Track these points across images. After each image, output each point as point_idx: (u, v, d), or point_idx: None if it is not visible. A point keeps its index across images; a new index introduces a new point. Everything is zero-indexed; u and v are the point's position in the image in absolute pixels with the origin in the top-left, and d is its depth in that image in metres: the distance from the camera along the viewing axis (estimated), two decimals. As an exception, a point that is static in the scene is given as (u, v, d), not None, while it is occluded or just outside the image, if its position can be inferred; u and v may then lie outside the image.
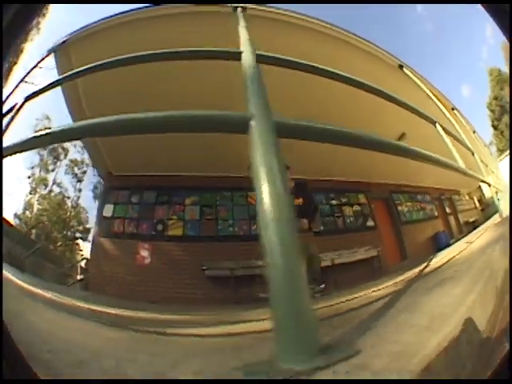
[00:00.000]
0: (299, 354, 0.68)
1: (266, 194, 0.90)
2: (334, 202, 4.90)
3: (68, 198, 18.54)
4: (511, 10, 0.89)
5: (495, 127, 5.81)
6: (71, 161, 19.48)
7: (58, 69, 4.10)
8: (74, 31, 3.89)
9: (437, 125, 2.76)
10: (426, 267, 1.82)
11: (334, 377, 0.63)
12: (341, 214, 4.83)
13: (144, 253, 4.53)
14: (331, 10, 3.60)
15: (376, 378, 0.60)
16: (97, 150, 4.81)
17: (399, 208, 5.13)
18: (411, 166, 2.21)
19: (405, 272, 1.93)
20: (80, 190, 19.24)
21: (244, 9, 3.18)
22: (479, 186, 4.00)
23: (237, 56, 1.61)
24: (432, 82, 4.31)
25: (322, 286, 2.80)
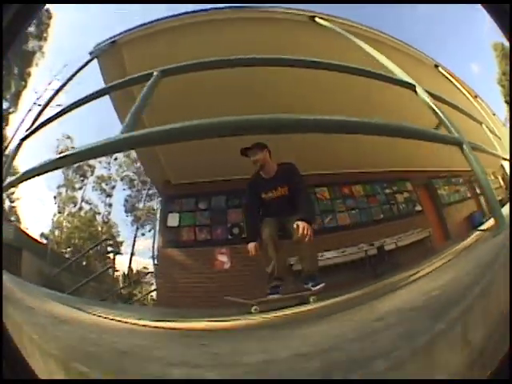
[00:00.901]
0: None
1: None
2: (387, 191, 5.25)
3: (98, 213, 18.70)
4: (511, 9, 0.89)
5: (508, 102, 5.80)
6: (98, 177, 19.59)
7: (104, 72, 3.95)
8: (123, 32, 3.78)
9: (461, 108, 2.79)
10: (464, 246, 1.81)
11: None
12: (394, 201, 5.20)
13: (223, 258, 4.51)
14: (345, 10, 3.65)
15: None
16: (153, 160, 4.73)
17: (438, 192, 5.53)
18: (444, 151, 2.33)
19: (451, 250, 1.91)
20: (110, 205, 19.29)
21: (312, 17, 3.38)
22: (501, 165, 4.12)
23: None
24: (447, 67, 4.41)
25: (320, 286, 2.25)
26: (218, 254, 4.57)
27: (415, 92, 2.09)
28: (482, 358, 0.62)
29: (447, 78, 4.23)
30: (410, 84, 2.14)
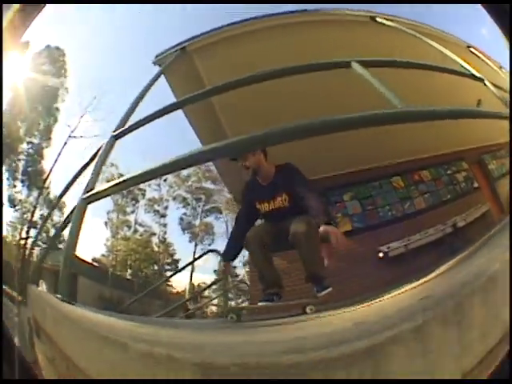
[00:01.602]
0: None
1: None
2: (448, 172, 5.53)
3: (154, 234, 18.95)
4: (511, 9, 0.90)
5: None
6: (150, 200, 19.79)
7: (173, 82, 3.85)
8: (190, 38, 3.66)
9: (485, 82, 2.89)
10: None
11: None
12: (456, 181, 5.50)
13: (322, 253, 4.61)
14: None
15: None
16: (233, 173, 4.73)
17: (489, 167, 5.82)
18: (487, 127, 2.43)
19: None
20: (165, 225, 19.49)
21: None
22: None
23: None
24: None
25: (325, 291, 1.85)
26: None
27: (484, 84, 2.25)
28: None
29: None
30: (478, 78, 2.33)
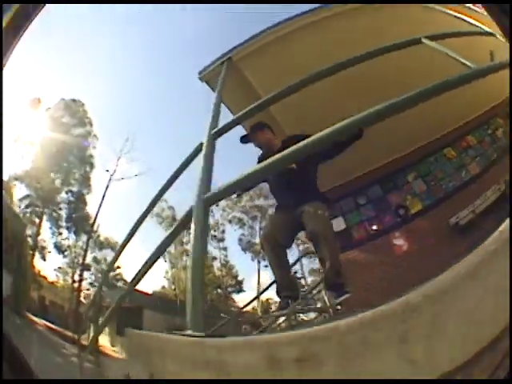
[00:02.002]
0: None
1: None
2: (489, 131, 5.46)
3: (215, 258, 19.68)
4: (511, 9, 0.90)
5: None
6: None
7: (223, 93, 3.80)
8: (234, 48, 3.58)
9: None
10: None
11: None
12: (497, 138, 5.41)
13: (399, 241, 4.65)
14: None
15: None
16: None
17: None
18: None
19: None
20: (225, 249, 20.06)
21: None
22: None
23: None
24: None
25: (341, 298, 1.66)
26: (393, 239, 4.68)
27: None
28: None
29: None
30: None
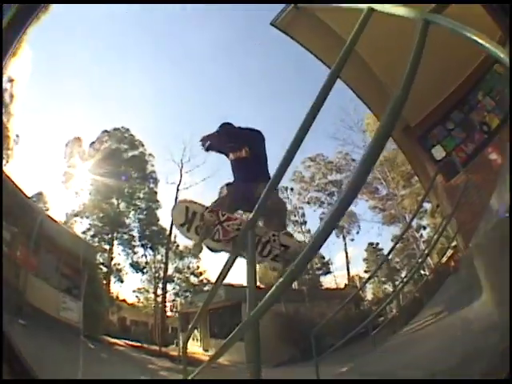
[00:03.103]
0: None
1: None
2: None
3: (299, 243, 20.80)
4: (511, 9, 0.89)
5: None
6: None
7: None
8: None
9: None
10: None
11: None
12: None
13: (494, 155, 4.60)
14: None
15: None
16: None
17: None
18: None
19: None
20: (308, 231, 19.26)
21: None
22: None
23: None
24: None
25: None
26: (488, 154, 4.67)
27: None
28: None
29: None
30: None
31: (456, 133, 5.20)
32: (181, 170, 17.81)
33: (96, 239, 16.64)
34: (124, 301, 19.16)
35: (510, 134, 4.69)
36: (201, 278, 18.00)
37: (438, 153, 5.14)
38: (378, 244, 19.63)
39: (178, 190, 17.60)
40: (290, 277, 0.98)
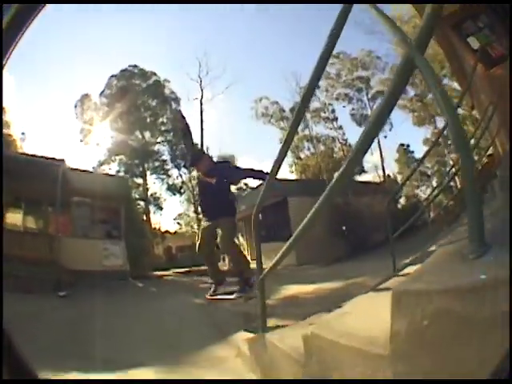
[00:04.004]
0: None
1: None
2: None
3: (333, 140, 19.58)
4: (511, 9, 0.90)
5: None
6: (314, 111, 20.53)
7: None
8: None
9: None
10: None
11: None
12: None
13: None
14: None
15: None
16: None
17: None
18: None
19: None
20: (340, 127, 19.91)
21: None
22: None
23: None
24: None
25: (248, 291, 2.75)
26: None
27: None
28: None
29: None
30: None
31: (486, 31, 4.66)
32: (200, 85, 17.60)
33: (128, 176, 16.27)
34: (167, 232, 19.07)
35: (509, 132, 4.64)
36: (239, 185, 17.73)
37: (473, 43, 4.66)
38: (408, 146, 19.37)
39: (201, 103, 17.33)
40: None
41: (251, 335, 2.40)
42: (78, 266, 8.06)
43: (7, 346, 0.76)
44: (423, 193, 18.11)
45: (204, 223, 3.04)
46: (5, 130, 13.19)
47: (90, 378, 1.36)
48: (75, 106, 17.45)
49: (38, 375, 0.79)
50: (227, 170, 2.80)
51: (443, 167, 16.89)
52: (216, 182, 2.59)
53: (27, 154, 9.34)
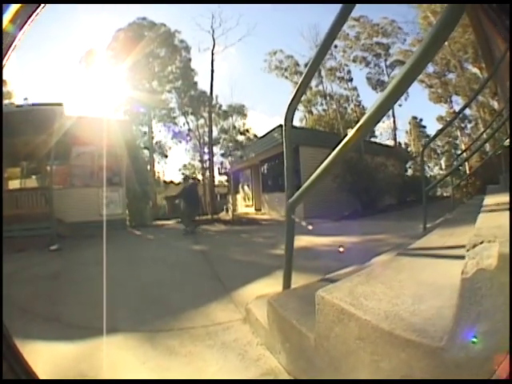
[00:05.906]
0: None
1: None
2: None
3: (347, 100, 19.46)
4: (511, 9, 0.89)
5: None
6: (330, 69, 20.16)
7: None
8: None
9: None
10: None
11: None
12: None
13: None
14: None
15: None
16: None
17: None
18: None
19: None
20: (355, 89, 19.41)
21: None
22: None
23: None
24: None
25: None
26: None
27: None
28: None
29: None
30: None
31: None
32: (213, 35, 17.35)
33: (133, 125, 15.79)
34: (171, 182, 18.71)
35: (509, 131, 4.63)
36: (248, 135, 16.93)
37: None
38: (422, 120, 19.06)
39: (212, 53, 17.10)
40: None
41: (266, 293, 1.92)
42: (74, 217, 7.82)
43: (7, 346, 0.76)
44: (430, 170, 17.92)
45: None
46: (7, 100, 12.72)
47: (90, 378, 1.36)
48: (79, 62, 17.03)
49: (38, 375, 0.78)
50: None
51: (454, 149, 16.63)
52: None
53: (23, 105, 8.49)
